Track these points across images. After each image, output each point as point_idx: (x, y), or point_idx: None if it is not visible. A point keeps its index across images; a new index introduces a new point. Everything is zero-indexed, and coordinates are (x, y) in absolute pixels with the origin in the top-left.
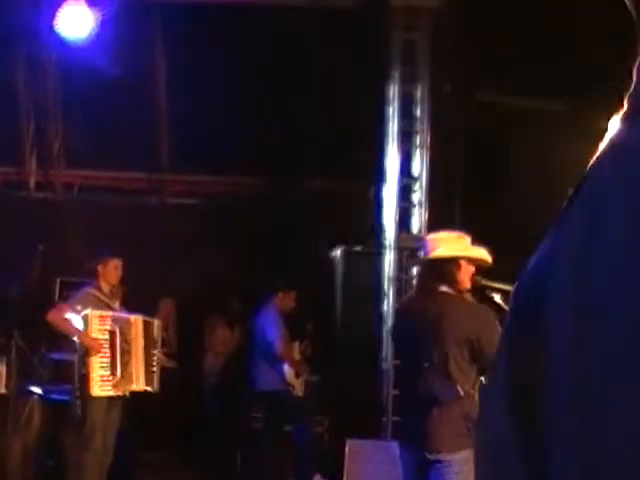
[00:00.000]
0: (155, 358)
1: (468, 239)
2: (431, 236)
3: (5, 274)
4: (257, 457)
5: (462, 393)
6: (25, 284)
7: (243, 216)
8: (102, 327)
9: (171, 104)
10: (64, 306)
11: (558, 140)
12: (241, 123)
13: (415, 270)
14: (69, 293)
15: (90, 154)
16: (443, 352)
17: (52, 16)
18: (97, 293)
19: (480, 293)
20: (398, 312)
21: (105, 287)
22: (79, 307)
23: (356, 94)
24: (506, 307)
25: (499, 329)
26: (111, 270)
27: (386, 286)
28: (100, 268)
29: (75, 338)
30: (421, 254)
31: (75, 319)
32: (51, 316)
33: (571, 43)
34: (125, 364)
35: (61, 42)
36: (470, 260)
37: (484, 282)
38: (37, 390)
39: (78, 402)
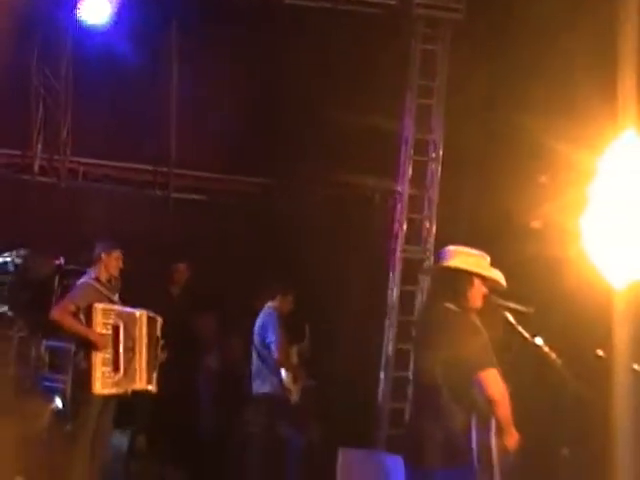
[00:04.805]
0: (157, 357)
1: (488, 259)
2: (452, 247)
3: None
4: (249, 461)
5: (446, 410)
6: (24, 272)
7: (246, 216)
8: (106, 321)
9: (183, 98)
10: (67, 303)
11: None
12: (252, 122)
13: (423, 280)
14: (68, 282)
15: (97, 143)
16: (432, 367)
17: (71, 3)
18: (96, 284)
19: (494, 312)
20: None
21: (104, 277)
22: (81, 303)
23: (371, 101)
24: (519, 327)
25: (480, 349)
26: (113, 260)
27: (391, 296)
28: (104, 256)
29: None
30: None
31: None
32: (56, 315)
33: None
34: (129, 361)
35: (77, 30)
36: (484, 280)
37: (498, 301)
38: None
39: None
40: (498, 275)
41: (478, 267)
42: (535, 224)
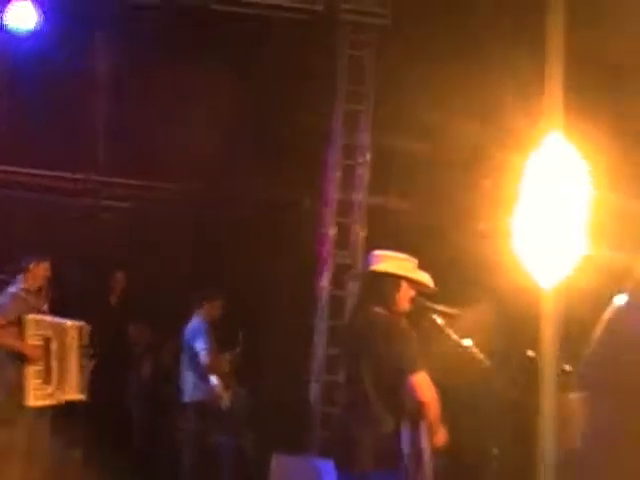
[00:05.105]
0: (87, 365)
1: (415, 263)
2: (377, 252)
3: None
4: (182, 468)
5: (376, 413)
6: None
7: (177, 222)
8: (37, 333)
9: (111, 104)
10: None
11: None
12: (180, 128)
13: (352, 285)
14: None
15: (25, 151)
16: (361, 371)
17: None
18: (25, 295)
19: (422, 315)
20: (343, 329)
21: (32, 287)
22: (11, 315)
23: (301, 107)
24: (447, 329)
25: (409, 353)
26: (41, 271)
27: (321, 301)
28: (32, 266)
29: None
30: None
31: None
32: None
33: None
34: (60, 372)
35: (1, 35)
36: (412, 283)
37: (427, 304)
38: None
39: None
40: (425, 278)
41: (405, 270)
42: (482, 226)
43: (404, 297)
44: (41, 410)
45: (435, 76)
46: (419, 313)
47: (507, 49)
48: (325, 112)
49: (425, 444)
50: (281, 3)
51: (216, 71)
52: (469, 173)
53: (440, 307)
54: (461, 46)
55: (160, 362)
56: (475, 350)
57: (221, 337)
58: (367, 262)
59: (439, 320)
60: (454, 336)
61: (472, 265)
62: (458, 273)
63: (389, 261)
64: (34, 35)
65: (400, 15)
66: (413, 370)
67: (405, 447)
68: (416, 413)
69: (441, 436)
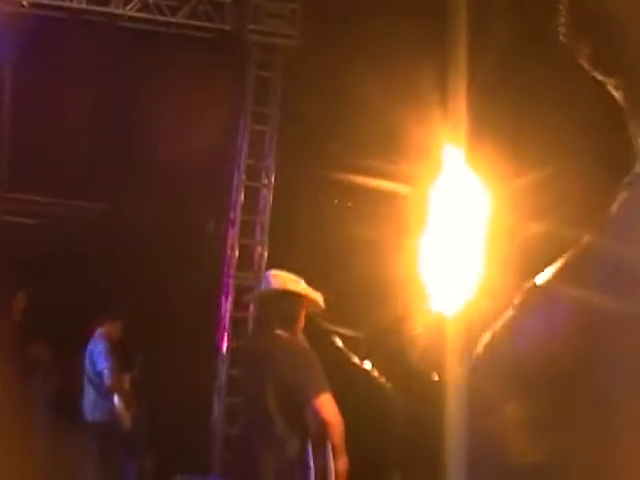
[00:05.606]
0: None
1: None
2: (274, 272)
3: None
4: None
5: (280, 436)
6: None
7: (80, 241)
8: None
9: (17, 118)
10: None
11: None
12: (88, 147)
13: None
14: None
15: None
16: (265, 395)
17: None
18: None
19: (323, 337)
20: (242, 352)
21: None
22: None
23: (209, 126)
24: (347, 351)
25: (312, 375)
26: None
27: (223, 323)
28: None
29: None
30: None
31: None
32: None
33: None
34: None
35: None
36: (309, 302)
37: (328, 326)
38: None
39: None
40: (319, 297)
41: (304, 289)
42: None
43: (302, 315)
44: None
45: (344, 99)
46: (321, 335)
47: (415, 74)
48: (231, 133)
49: (331, 465)
50: (189, 22)
51: (123, 88)
52: (375, 198)
53: (342, 329)
54: (371, 69)
55: (65, 381)
56: (375, 372)
57: (121, 357)
58: (266, 281)
59: (339, 342)
60: (355, 358)
61: (374, 285)
62: (362, 296)
63: (290, 281)
64: None
65: (310, 37)
66: (317, 392)
67: (311, 469)
68: (321, 434)
69: (344, 461)
